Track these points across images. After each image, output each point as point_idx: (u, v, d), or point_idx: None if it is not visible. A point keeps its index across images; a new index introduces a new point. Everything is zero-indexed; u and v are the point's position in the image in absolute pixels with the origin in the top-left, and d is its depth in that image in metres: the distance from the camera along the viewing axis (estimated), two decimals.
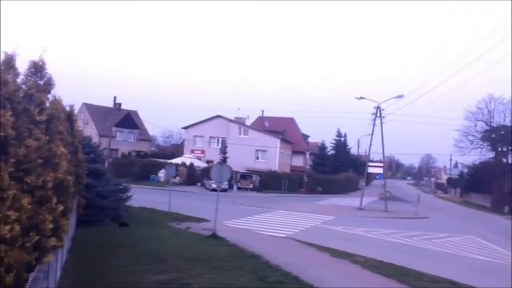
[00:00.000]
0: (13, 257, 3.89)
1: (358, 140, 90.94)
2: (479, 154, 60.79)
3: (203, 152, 58.93)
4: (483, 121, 59.29)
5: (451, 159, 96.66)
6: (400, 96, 39.25)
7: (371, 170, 45.01)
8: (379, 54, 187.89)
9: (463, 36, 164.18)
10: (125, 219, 17.71)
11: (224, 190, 40.10)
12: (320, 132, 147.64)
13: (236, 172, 48.01)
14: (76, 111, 9.55)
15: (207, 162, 55.22)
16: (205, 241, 15.82)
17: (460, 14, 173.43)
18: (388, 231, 23.52)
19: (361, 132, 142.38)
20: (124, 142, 69.31)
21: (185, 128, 62.57)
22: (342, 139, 79.87)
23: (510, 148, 57.25)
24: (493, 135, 58.81)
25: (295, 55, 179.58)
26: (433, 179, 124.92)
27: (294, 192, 50.70)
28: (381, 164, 46.87)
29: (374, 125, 40.07)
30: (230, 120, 59.75)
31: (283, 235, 19.41)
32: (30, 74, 5.30)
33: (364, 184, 45.86)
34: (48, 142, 5.05)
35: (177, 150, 69.12)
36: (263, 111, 73.24)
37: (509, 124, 56.81)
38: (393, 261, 14.66)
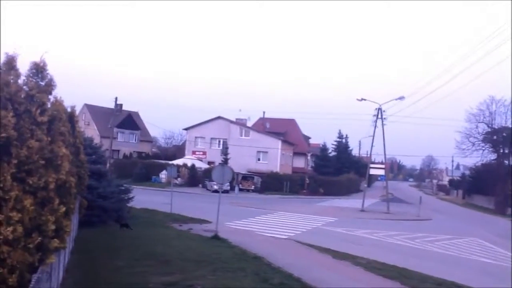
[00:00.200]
0: (16, 258, 3.87)
1: (360, 142, 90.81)
2: (480, 156, 60.75)
3: (204, 153, 58.94)
4: (485, 123, 59.24)
5: (452, 161, 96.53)
6: (401, 98, 39.19)
7: (372, 171, 44.93)
8: (380, 55, 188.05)
9: (464, 37, 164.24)
10: (127, 220, 17.70)
11: (226, 192, 40.09)
12: (321, 134, 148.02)
13: (237, 174, 48.04)
14: (77, 112, 9.53)
15: (209, 163, 55.23)
16: (207, 242, 15.79)
17: (461, 15, 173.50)
18: (391, 233, 23.45)
19: (363, 133, 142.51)
20: (126, 143, 69.39)
21: (186, 129, 62.58)
22: (344, 140, 79.77)
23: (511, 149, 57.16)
24: (495, 137, 58.72)
25: (296, 56, 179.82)
26: (435, 181, 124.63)
27: (295, 194, 50.65)
28: (382, 166, 46.78)
29: (375, 126, 40.01)
30: (231, 121, 59.75)
31: (285, 237, 19.37)
32: (31, 75, 5.28)
33: (365, 185, 45.77)
34: (50, 143, 5.04)
35: (179, 151, 69.15)
36: (264, 112, 73.34)
37: (510, 125, 56.72)
38: (395, 263, 14.61)
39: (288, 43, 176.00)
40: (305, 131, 75.93)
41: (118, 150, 65.63)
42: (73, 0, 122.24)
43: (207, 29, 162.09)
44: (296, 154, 66.97)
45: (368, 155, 50.34)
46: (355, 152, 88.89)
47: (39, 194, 4.61)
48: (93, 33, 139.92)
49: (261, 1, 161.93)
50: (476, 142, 59.82)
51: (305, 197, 49.50)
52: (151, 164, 53.62)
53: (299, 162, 68.27)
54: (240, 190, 47.14)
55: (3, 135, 4.16)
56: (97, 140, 39.40)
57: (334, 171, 66.44)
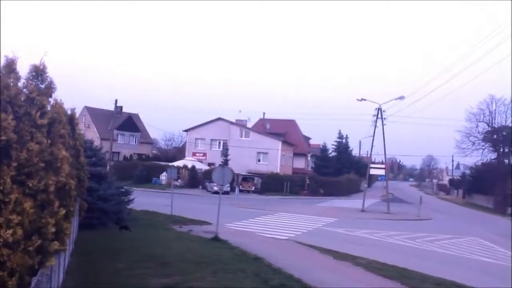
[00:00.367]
0: (16, 261, 3.88)
1: (360, 142, 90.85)
2: (481, 155, 60.81)
3: (204, 154, 58.94)
4: (485, 122, 59.30)
5: (453, 160, 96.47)
6: (401, 98, 39.19)
7: (373, 171, 44.94)
8: (380, 55, 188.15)
9: (464, 37, 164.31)
10: (127, 223, 17.71)
11: (226, 193, 40.07)
12: (321, 134, 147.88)
13: (237, 175, 48.05)
14: (77, 115, 9.54)
15: (209, 164, 55.24)
16: (207, 244, 15.80)
17: (461, 14, 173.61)
18: (391, 233, 23.45)
19: (363, 133, 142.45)
20: (126, 145, 69.44)
21: (186, 130, 62.59)
22: (344, 140, 79.75)
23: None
24: (495, 136, 58.77)
25: (295, 57, 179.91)
26: (435, 181, 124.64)
27: (296, 194, 50.65)
28: (383, 166, 46.80)
29: (375, 126, 40.01)
30: (231, 123, 59.77)
31: (285, 238, 19.38)
32: (31, 77, 5.30)
33: (366, 186, 45.74)
34: (50, 145, 5.05)
35: (179, 153, 69.17)
36: (264, 113, 73.38)
37: (510, 125, 56.78)
38: (396, 263, 14.61)
39: (288, 44, 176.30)
40: (305, 131, 76.03)
41: (118, 152, 65.66)
42: (72, 0, 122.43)
43: (206, 30, 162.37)
44: (296, 154, 66.98)
45: (368, 155, 50.37)
46: (355, 152, 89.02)
47: (39, 197, 4.62)
48: (92, 35, 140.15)
49: (261, 1, 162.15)
50: (476, 141, 59.91)
51: (306, 197, 49.50)
52: (151, 166, 53.64)
53: (299, 163, 68.28)
54: (241, 191, 47.14)
55: (3, 138, 4.18)
56: (97, 142, 39.49)
57: (334, 172, 66.42)
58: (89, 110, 67.84)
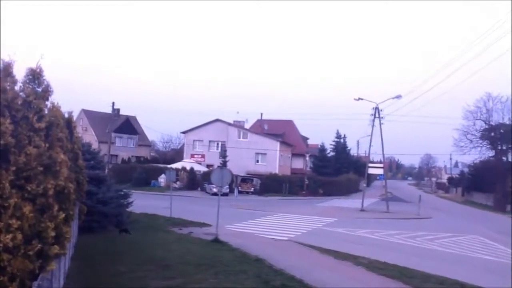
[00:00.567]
0: (16, 265, 3.84)
1: (358, 141, 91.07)
2: (479, 153, 60.77)
3: (203, 156, 58.92)
4: (482, 120, 59.32)
5: (451, 159, 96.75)
6: (398, 97, 39.26)
7: (371, 171, 44.94)
8: (376, 54, 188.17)
9: (460, 35, 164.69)
10: (127, 225, 17.66)
11: (225, 194, 40.05)
12: (319, 134, 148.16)
13: (236, 176, 48.01)
14: (75, 118, 9.51)
15: (207, 166, 55.20)
16: (208, 245, 15.76)
17: (457, 13, 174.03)
18: (391, 232, 23.45)
19: (361, 133, 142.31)
20: (124, 148, 69.36)
21: (184, 132, 62.55)
22: (342, 140, 79.86)
23: (510, 146, 57.22)
24: (493, 134, 58.84)
25: (293, 57, 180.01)
26: (434, 179, 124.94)
27: (295, 195, 50.66)
28: (381, 165, 46.85)
29: (373, 126, 40.08)
30: (229, 124, 59.76)
31: (286, 238, 19.35)
32: (28, 81, 5.27)
33: (365, 185, 45.79)
34: (48, 149, 5.01)
35: (177, 154, 69.11)
36: (262, 114, 73.30)
37: (508, 122, 56.84)
38: (397, 262, 14.59)
39: (286, 44, 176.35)
40: (303, 132, 76.10)
41: (117, 155, 65.58)
42: (69, 0, 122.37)
43: (204, 31, 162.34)
44: (294, 155, 67.00)
45: (367, 155, 50.39)
46: (353, 152, 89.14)
47: (38, 201, 4.58)
48: (89, 36, 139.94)
49: (258, 2, 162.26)
50: (474, 139, 59.91)
51: (305, 198, 49.50)
52: (149, 168, 53.58)
53: (298, 163, 68.29)
54: (240, 192, 47.12)
55: (1, 142, 4.14)
56: (95, 145, 39.40)
57: (333, 172, 66.48)
58: (87, 113, 67.76)
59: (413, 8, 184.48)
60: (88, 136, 57.02)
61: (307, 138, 78.84)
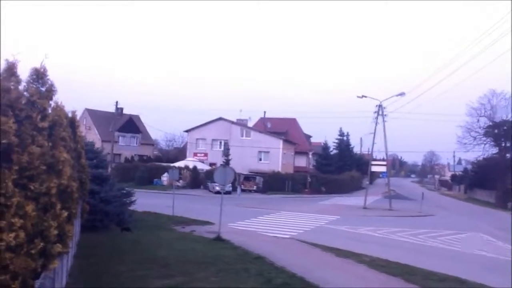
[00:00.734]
0: (19, 264, 3.88)
1: (361, 139, 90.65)
2: (482, 150, 60.63)
3: (206, 155, 58.97)
4: (486, 117, 59.14)
5: (454, 156, 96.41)
6: (401, 94, 39.19)
7: (374, 168, 44.99)
8: (380, 51, 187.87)
9: (463, 31, 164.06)
10: (129, 224, 17.73)
11: (228, 193, 40.07)
12: (322, 132, 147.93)
13: (239, 174, 48.02)
14: (78, 117, 9.55)
15: (210, 164, 55.25)
16: (210, 244, 15.80)
17: (460, 10, 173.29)
18: (394, 230, 23.45)
19: (364, 130, 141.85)
20: (127, 147, 69.50)
21: (187, 131, 62.60)
22: (345, 138, 79.65)
23: None
24: (496, 131, 58.63)
25: (295, 56, 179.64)
26: (437, 176, 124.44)
27: (298, 193, 50.66)
28: (384, 163, 46.80)
29: (376, 123, 40.06)
30: (232, 122, 59.78)
31: (288, 236, 19.38)
32: (31, 81, 5.30)
33: (367, 183, 45.75)
34: (51, 148, 5.06)
35: (180, 153, 69.18)
36: (265, 112, 73.36)
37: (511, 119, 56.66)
38: (399, 260, 14.61)
39: (288, 43, 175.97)
40: (306, 130, 76.04)
41: (120, 154, 65.72)
42: (72, 0, 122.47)
43: (207, 30, 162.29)
44: (297, 153, 66.97)
45: (370, 152, 50.34)
46: (356, 149, 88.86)
47: (41, 200, 4.62)
48: (92, 36, 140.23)
49: (260, 1, 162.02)
50: (478, 136, 59.74)
51: (308, 196, 49.50)
52: (152, 167, 53.67)
53: (301, 161, 68.29)
54: (242, 190, 47.16)
55: (4, 141, 4.18)
56: (98, 144, 39.52)
57: (336, 169, 66.44)
58: (90, 112, 67.92)
59: (414, 8, 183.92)
60: (92, 135, 57.16)
61: (310, 136, 78.78)
